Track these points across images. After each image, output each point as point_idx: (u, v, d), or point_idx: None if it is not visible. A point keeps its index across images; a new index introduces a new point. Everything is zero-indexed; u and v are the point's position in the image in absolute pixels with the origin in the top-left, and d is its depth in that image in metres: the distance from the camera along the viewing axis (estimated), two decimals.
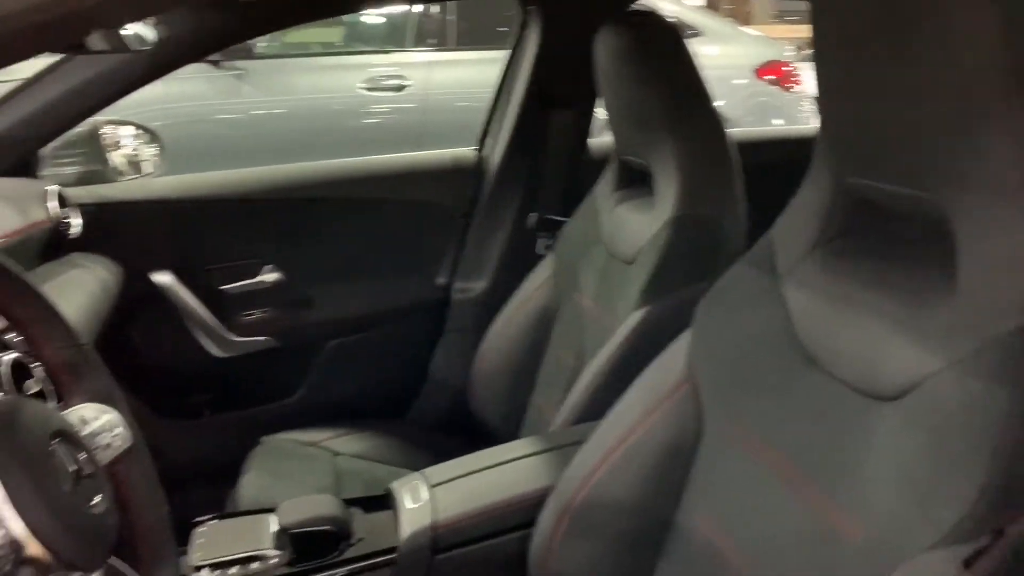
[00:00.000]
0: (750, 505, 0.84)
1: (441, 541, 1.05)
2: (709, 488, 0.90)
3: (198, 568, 1.02)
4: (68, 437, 0.66)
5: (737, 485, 0.86)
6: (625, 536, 0.96)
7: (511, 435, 1.55)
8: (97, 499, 0.65)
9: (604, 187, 1.52)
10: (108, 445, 0.76)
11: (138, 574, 0.70)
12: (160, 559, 0.76)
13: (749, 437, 0.86)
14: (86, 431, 0.73)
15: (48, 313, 0.76)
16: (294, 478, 1.45)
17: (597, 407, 1.19)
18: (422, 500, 1.09)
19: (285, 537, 1.06)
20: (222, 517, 1.14)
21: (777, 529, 0.80)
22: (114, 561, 0.69)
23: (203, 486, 1.52)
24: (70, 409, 0.75)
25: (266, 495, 1.38)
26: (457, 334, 1.81)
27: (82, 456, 0.67)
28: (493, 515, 1.07)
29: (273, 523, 1.08)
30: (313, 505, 1.09)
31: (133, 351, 1.65)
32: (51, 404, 0.77)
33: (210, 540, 1.06)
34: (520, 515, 1.07)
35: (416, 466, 1.54)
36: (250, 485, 1.41)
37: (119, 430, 0.78)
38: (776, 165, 1.25)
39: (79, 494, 0.63)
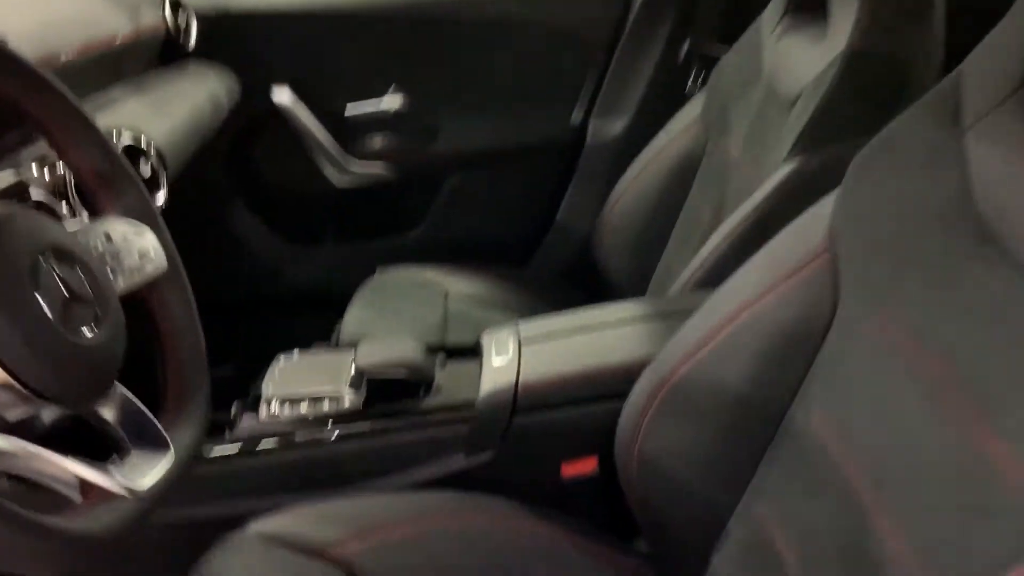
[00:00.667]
0: (882, 416, 0.66)
1: (522, 403, 0.95)
2: (833, 386, 0.73)
3: (268, 401, 0.97)
4: (64, 254, 0.58)
5: (869, 388, 0.69)
6: (724, 424, 0.81)
7: (636, 293, 1.41)
8: (90, 326, 0.58)
9: (771, 13, 1.27)
10: (137, 268, 0.68)
11: (157, 418, 0.63)
12: (188, 400, 0.69)
13: (893, 331, 0.67)
14: (107, 250, 0.66)
15: (73, 114, 0.67)
16: (400, 315, 1.39)
17: (724, 272, 1.02)
18: (508, 357, 0.99)
19: (362, 379, 0.99)
20: (306, 350, 1.09)
21: (912, 451, 0.62)
22: (120, 392, 0.62)
23: (316, 314, 1.50)
24: (94, 224, 0.68)
25: (367, 330, 1.32)
26: (589, 179, 1.65)
27: (86, 277, 0.60)
28: (582, 381, 0.95)
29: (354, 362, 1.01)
30: (393, 349, 1.01)
31: (255, 171, 1.61)
32: (74, 219, 0.70)
33: (286, 374, 1.01)
34: (612, 385, 0.94)
35: (529, 316, 1.45)
36: (354, 318, 1.36)
37: (153, 253, 0.70)
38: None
39: (67, 319, 0.56)
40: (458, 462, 0.96)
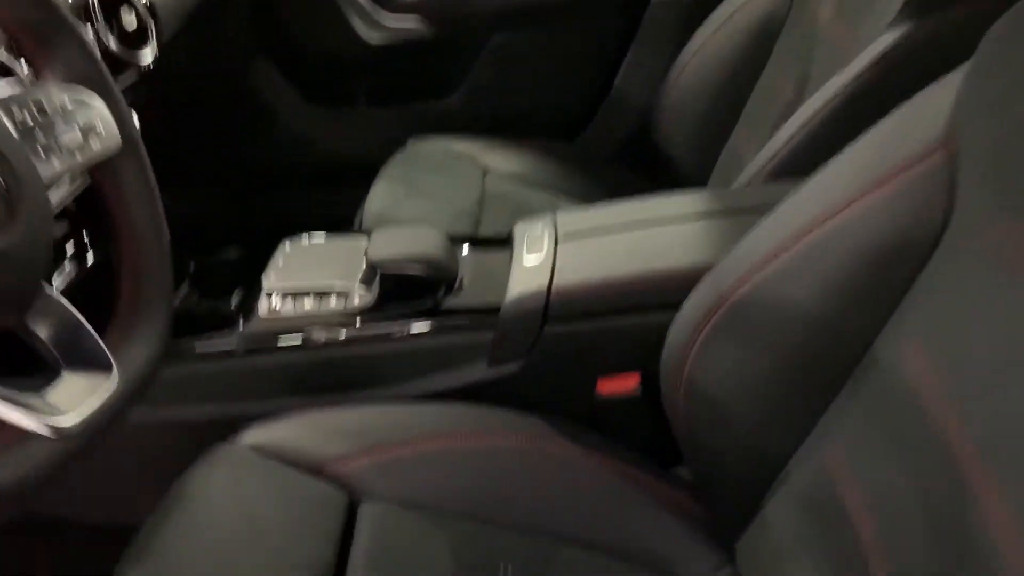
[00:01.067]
0: (1002, 364, 0.52)
1: (555, 310, 0.82)
2: (935, 320, 0.58)
3: (268, 294, 0.86)
4: None
5: (985, 328, 0.54)
6: (792, 353, 0.68)
7: (699, 181, 1.24)
8: None
9: None
10: (79, 147, 0.56)
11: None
12: (142, 310, 0.58)
13: None
14: (40, 124, 0.53)
15: None
16: (431, 194, 1.25)
17: (803, 164, 0.87)
18: (542, 255, 0.85)
19: (375, 273, 0.87)
20: (317, 233, 0.97)
21: None
22: (56, 300, 0.50)
23: (339, 190, 1.37)
24: (27, 91, 0.55)
25: (393, 211, 1.20)
26: (652, 42, 1.44)
27: None
28: (626, 289, 0.82)
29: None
30: (411, 240, 0.88)
31: (281, 25, 1.45)
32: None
33: (291, 263, 0.90)
34: (661, 294, 0.81)
35: (577, 198, 1.31)
36: (380, 197, 1.23)
37: (102, 127, 0.57)
38: None
39: None
40: (481, 372, 0.85)
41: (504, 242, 0.93)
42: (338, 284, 0.87)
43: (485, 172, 1.33)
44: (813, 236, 0.65)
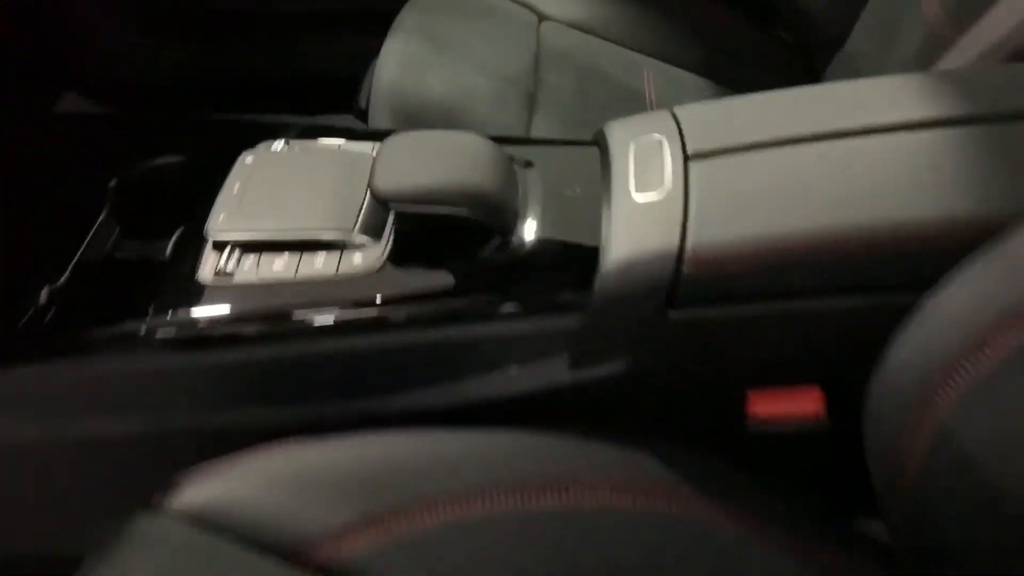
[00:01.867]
0: None
1: (690, 286, 0.48)
2: None
3: (218, 247, 0.54)
4: None
5: None
6: None
7: (835, 32, 0.87)
8: None
9: None
10: None
11: None
12: None
13: None
14: None
15: None
16: (465, 53, 0.88)
17: None
18: (664, 187, 0.51)
19: (386, 214, 0.54)
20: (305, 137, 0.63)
21: None
22: None
23: (340, 43, 1.00)
24: None
25: (412, 86, 0.84)
26: None
27: None
28: (812, 255, 0.48)
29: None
30: (443, 156, 0.54)
31: None
32: None
33: (253, 193, 0.56)
34: (872, 268, 0.47)
35: (682, 62, 0.95)
36: (392, 61, 0.86)
37: None
38: None
39: None
40: (556, 376, 0.53)
41: (588, 151, 0.58)
42: (328, 231, 0.53)
43: (540, 19, 0.95)
44: None
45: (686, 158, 0.52)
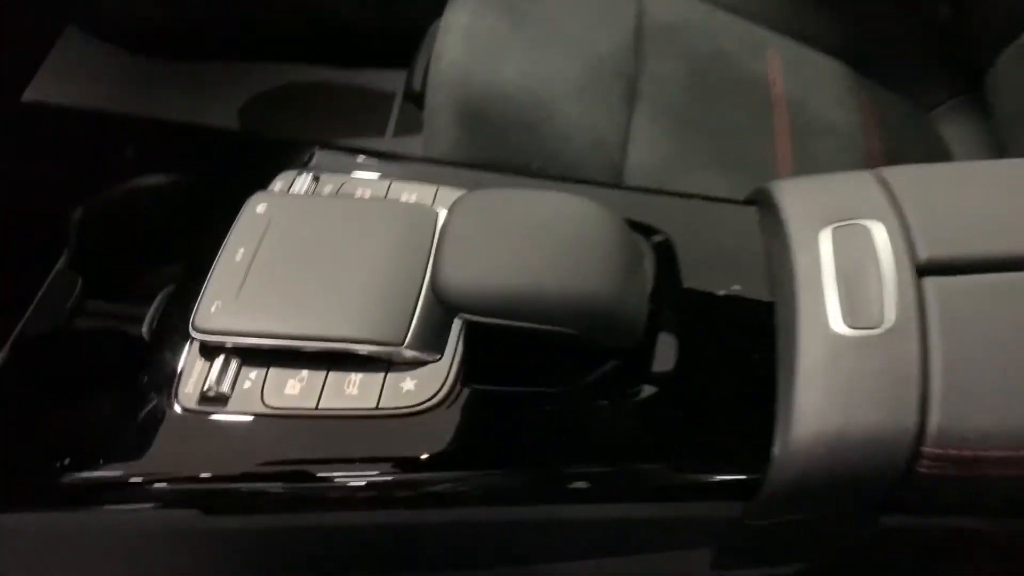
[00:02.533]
0: None
1: (924, 488, 0.31)
2: None
3: (205, 349, 0.37)
4: None
5: None
6: None
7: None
8: None
9: None
10: None
11: None
12: None
13: None
14: None
15: None
16: (549, 27, 0.69)
17: None
18: (885, 320, 0.33)
19: (450, 319, 0.37)
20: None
21: None
22: None
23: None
24: None
25: (481, 62, 0.65)
26: None
27: None
28: None
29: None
30: (533, 234, 0.36)
31: None
32: None
33: (263, 263, 0.39)
34: None
35: (819, 42, 0.75)
36: (458, 29, 0.67)
37: None
38: None
39: None
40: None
41: (744, 214, 0.40)
42: (365, 342, 0.36)
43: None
44: None
45: (917, 270, 0.33)
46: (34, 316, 0.44)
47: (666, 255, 0.41)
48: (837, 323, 0.33)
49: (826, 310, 0.34)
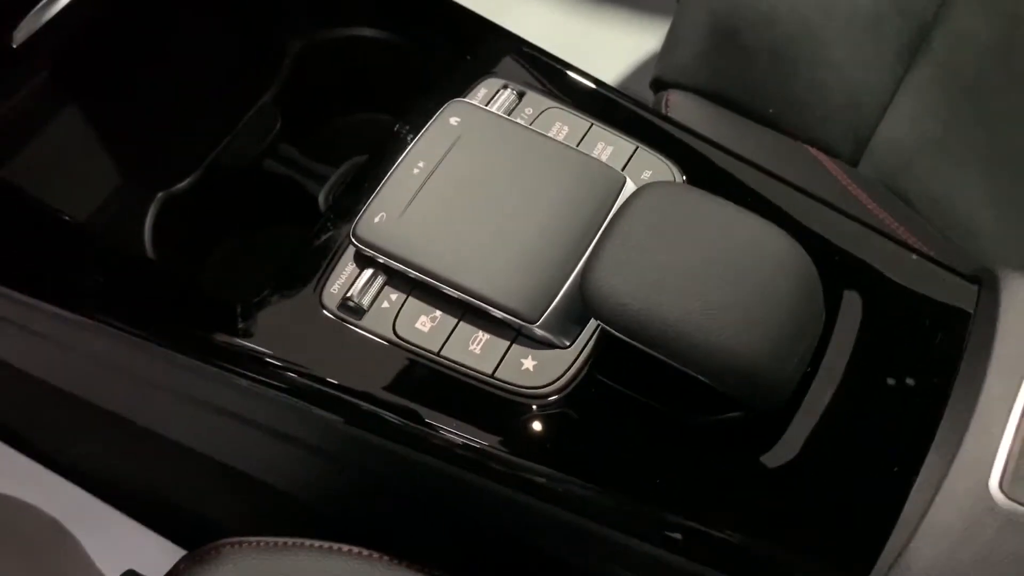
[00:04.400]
0: None
1: None
2: None
3: (359, 259, 0.39)
4: None
5: None
6: None
7: None
8: None
9: None
10: None
11: None
12: None
13: None
14: None
15: None
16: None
17: None
18: None
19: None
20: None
21: None
22: None
23: None
24: None
25: None
26: None
27: None
28: None
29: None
30: (710, 266, 0.33)
31: None
32: None
33: (437, 197, 0.39)
34: None
35: None
36: None
37: None
38: None
39: None
40: None
41: (962, 291, 0.35)
42: (499, 301, 0.36)
43: None
44: None
45: None
46: (231, 144, 0.47)
47: (848, 310, 0.36)
48: (995, 485, 0.29)
49: (992, 463, 0.30)
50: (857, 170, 0.57)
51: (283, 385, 0.37)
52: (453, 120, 0.40)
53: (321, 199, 0.47)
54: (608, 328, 0.33)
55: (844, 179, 0.54)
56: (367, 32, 0.47)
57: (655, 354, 0.33)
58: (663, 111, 0.56)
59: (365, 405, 0.36)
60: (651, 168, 0.41)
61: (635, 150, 0.41)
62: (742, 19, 0.56)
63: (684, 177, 0.41)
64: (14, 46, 0.42)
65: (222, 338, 0.38)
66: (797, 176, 0.43)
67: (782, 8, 0.56)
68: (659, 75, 0.58)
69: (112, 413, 0.47)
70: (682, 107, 0.55)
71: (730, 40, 0.57)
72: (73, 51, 0.45)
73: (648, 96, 0.60)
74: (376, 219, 0.38)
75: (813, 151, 0.56)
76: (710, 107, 0.56)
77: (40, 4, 0.43)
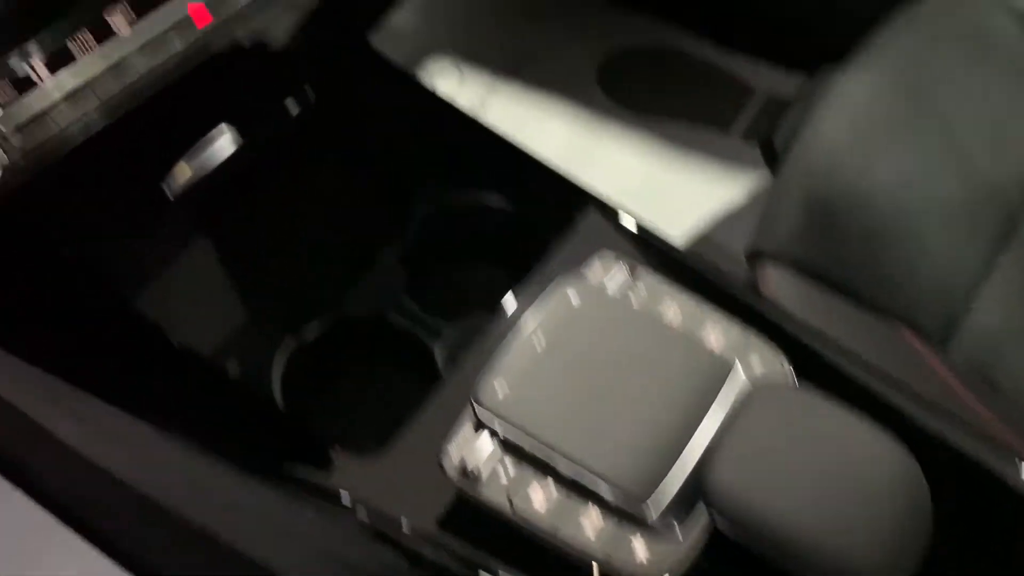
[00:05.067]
0: None
1: None
2: None
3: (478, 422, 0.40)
4: None
5: None
6: None
7: None
8: None
9: None
10: None
11: None
12: None
13: None
14: None
15: None
16: (947, 115, 0.62)
17: None
18: None
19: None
20: None
21: None
22: None
23: None
24: None
25: (857, 151, 0.60)
26: None
27: None
28: None
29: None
30: (828, 484, 0.34)
31: None
32: None
33: (553, 370, 0.41)
34: None
35: None
36: (848, 101, 0.61)
37: None
38: None
39: None
40: None
41: None
42: (608, 483, 0.37)
43: None
44: None
45: None
46: (357, 295, 0.49)
47: (948, 516, 0.37)
48: None
49: None
50: (947, 353, 0.58)
51: (398, 541, 0.38)
52: (572, 297, 0.42)
53: (437, 354, 0.49)
54: (719, 518, 0.34)
55: (937, 365, 0.54)
56: (491, 200, 0.50)
57: (765, 552, 0.34)
58: (757, 282, 0.58)
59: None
60: (757, 352, 0.42)
61: (742, 334, 0.42)
62: (842, 202, 0.59)
63: (790, 366, 0.42)
64: (171, 198, 0.45)
65: (344, 485, 0.39)
66: (893, 362, 0.44)
67: (881, 197, 0.58)
68: (756, 247, 0.60)
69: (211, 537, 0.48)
70: (779, 282, 0.57)
71: (827, 219, 0.59)
72: (220, 200, 0.48)
73: (729, 249, 0.61)
74: (497, 384, 0.40)
75: (906, 333, 0.56)
76: (805, 283, 0.58)
77: (191, 150, 0.47)
